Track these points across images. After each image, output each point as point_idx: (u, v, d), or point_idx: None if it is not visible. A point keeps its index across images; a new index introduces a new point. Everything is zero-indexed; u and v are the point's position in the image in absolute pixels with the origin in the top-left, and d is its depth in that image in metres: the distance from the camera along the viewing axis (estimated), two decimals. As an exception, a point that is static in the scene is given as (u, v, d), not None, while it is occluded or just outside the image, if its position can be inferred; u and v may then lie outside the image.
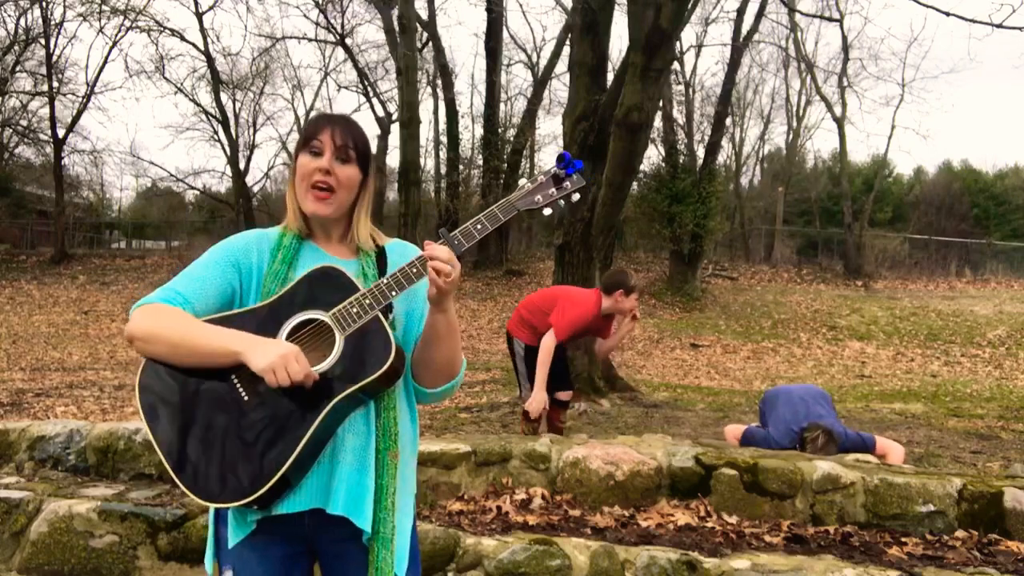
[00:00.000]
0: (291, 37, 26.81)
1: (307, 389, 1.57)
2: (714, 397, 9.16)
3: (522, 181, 1.68)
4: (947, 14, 6.90)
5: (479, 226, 1.64)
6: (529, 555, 3.03)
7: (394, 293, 1.62)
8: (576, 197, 1.73)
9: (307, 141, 1.71)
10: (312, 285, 1.65)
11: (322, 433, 1.60)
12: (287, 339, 1.61)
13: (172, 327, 1.61)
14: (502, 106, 24.45)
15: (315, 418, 1.56)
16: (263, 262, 1.73)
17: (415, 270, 1.62)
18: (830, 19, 20.52)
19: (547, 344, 4.82)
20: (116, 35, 22.69)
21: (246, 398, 1.59)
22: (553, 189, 1.70)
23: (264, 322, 1.63)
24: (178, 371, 1.62)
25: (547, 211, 1.70)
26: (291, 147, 30.99)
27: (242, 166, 25.83)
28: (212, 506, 1.64)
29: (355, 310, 1.61)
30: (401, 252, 1.82)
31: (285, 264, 1.72)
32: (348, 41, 24.39)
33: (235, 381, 1.60)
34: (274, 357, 1.52)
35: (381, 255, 1.79)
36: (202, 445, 1.58)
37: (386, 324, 1.65)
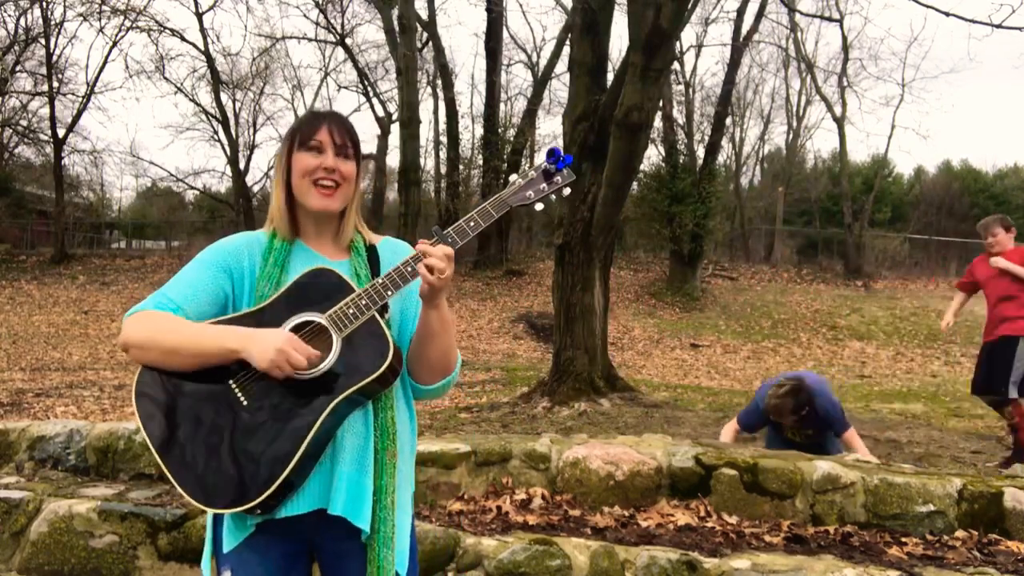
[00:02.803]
0: (291, 37, 26.70)
1: (306, 392, 1.55)
2: (714, 397, 9.16)
3: (513, 177, 1.73)
4: (947, 14, 6.90)
5: (472, 223, 1.65)
6: (529, 555, 3.03)
7: (390, 293, 1.62)
8: (567, 192, 1.74)
9: (305, 139, 1.70)
10: (306, 287, 1.64)
11: (322, 436, 1.58)
12: None
13: (166, 332, 1.60)
14: (502, 106, 24.49)
15: (315, 421, 1.55)
16: (255, 265, 1.72)
17: (410, 269, 1.61)
18: (830, 19, 20.58)
19: None
20: (116, 35, 22.68)
21: (244, 402, 1.58)
22: (544, 184, 1.71)
23: (260, 326, 1.61)
24: (175, 376, 1.60)
25: (539, 206, 1.72)
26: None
27: (242, 166, 25.82)
28: (212, 512, 1.62)
29: (351, 311, 1.60)
30: (393, 250, 1.82)
31: (277, 267, 1.70)
32: (348, 41, 24.41)
33: (232, 385, 1.59)
34: (273, 350, 1.52)
35: (373, 254, 1.79)
36: (201, 450, 1.56)
37: (383, 324, 1.64)
